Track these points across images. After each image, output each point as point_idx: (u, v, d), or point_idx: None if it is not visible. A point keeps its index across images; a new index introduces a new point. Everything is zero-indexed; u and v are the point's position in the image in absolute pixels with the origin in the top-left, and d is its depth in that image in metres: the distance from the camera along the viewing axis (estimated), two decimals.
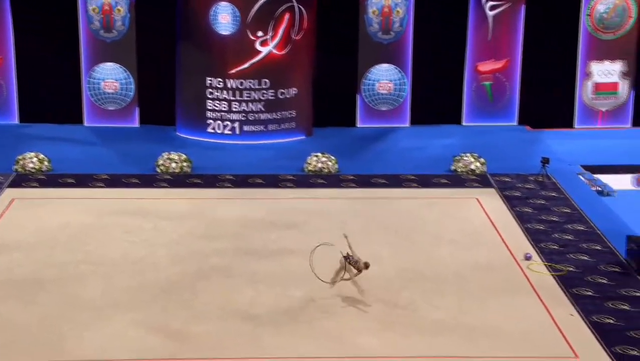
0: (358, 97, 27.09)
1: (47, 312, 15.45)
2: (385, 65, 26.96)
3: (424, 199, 21.15)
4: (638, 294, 16.21)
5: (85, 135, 26.00)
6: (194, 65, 25.72)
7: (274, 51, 25.47)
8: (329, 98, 26.77)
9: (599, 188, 22.65)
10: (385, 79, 27.01)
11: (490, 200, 21.07)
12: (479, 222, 19.79)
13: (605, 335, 14.72)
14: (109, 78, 26.57)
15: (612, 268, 17.30)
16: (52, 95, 26.60)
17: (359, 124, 27.19)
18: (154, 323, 15.16)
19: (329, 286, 15.82)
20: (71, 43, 26.29)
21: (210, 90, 25.60)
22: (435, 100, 27.14)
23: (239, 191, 21.69)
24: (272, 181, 22.32)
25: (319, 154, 23.28)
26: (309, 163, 23.11)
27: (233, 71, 25.39)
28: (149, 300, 16.02)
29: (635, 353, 14.16)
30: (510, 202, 20.91)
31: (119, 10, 26.26)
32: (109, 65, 26.52)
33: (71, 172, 22.55)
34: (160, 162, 23.00)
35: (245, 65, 25.35)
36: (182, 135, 26.13)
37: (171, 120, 26.44)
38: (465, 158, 23.09)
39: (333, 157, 23.24)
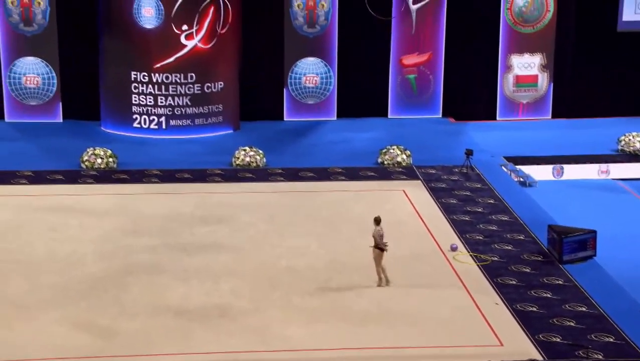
0: (285, 91, 27.14)
1: None
2: (311, 59, 27.07)
3: (351, 191, 21.33)
4: (559, 282, 16.67)
5: (6, 131, 25.48)
6: (118, 59, 25.40)
7: (199, 45, 25.33)
8: (256, 92, 26.76)
9: (521, 179, 23.17)
10: (311, 72, 27.12)
11: (417, 192, 21.38)
12: (405, 213, 20.07)
13: (528, 323, 15.11)
14: (30, 72, 26.06)
15: (535, 257, 17.75)
16: None
17: (286, 118, 27.25)
18: (80, 321, 14.97)
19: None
20: None
21: (136, 84, 25.33)
22: (361, 94, 27.38)
23: (166, 186, 21.54)
24: (200, 175, 22.22)
25: (247, 148, 23.27)
26: (237, 157, 23.08)
27: (158, 65, 25.17)
28: (76, 297, 15.81)
29: (557, 339, 14.57)
30: (436, 193, 21.26)
31: (38, 3, 25.75)
32: (30, 59, 26.02)
33: None
34: (85, 157, 22.68)
35: (171, 59, 25.16)
36: (107, 130, 25.81)
37: (95, 115, 26.10)
38: (391, 150, 23.36)
39: (261, 151, 23.26)
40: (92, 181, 21.81)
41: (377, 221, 16.12)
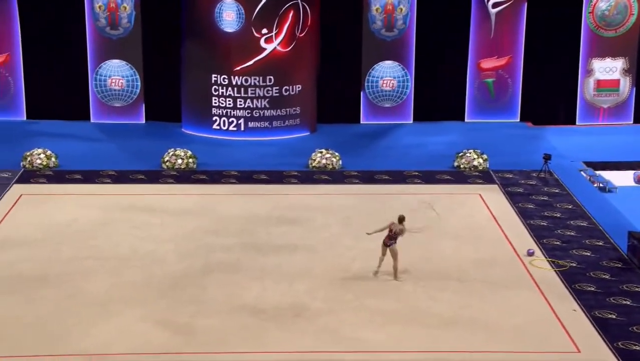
0: (362, 94, 27.27)
1: (53, 307, 15.66)
2: (388, 62, 27.13)
3: (427, 195, 21.33)
4: (639, 289, 16.38)
5: (91, 131, 26.25)
6: (199, 62, 25.91)
7: (278, 48, 25.65)
8: (333, 95, 26.97)
9: (601, 185, 22.80)
10: (388, 75, 27.18)
11: (493, 196, 21.25)
12: (481, 218, 19.97)
13: (607, 330, 14.91)
14: (115, 75, 26.79)
15: (614, 264, 17.48)
16: (58, 92, 26.85)
17: (362, 121, 27.38)
18: (160, 318, 15.36)
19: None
20: (77, 40, 26.54)
21: (216, 87, 25.80)
22: (438, 97, 27.32)
23: (244, 187, 21.89)
24: (277, 177, 22.52)
25: (323, 150, 23.47)
26: (313, 160, 23.30)
27: (238, 68, 25.58)
28: (156, 295, 16.22)
29: (637, 348, 14.34)
30: (513, 198, 21.09)
31: (124, 7, 26.46)
32: (115, 62, 26.75)
33: (78, 168, 22.79)
34: (166, 158, 23.20)
35: (250, 62, 25.55)
36: (187, 131, 26.34)
37: (177, 116, 26.66)
38: (467, 154, 23.27)
39: (337, 154, 23.43)
40: (172, 181, 22.31)
41: (401, 220, 16.80)
